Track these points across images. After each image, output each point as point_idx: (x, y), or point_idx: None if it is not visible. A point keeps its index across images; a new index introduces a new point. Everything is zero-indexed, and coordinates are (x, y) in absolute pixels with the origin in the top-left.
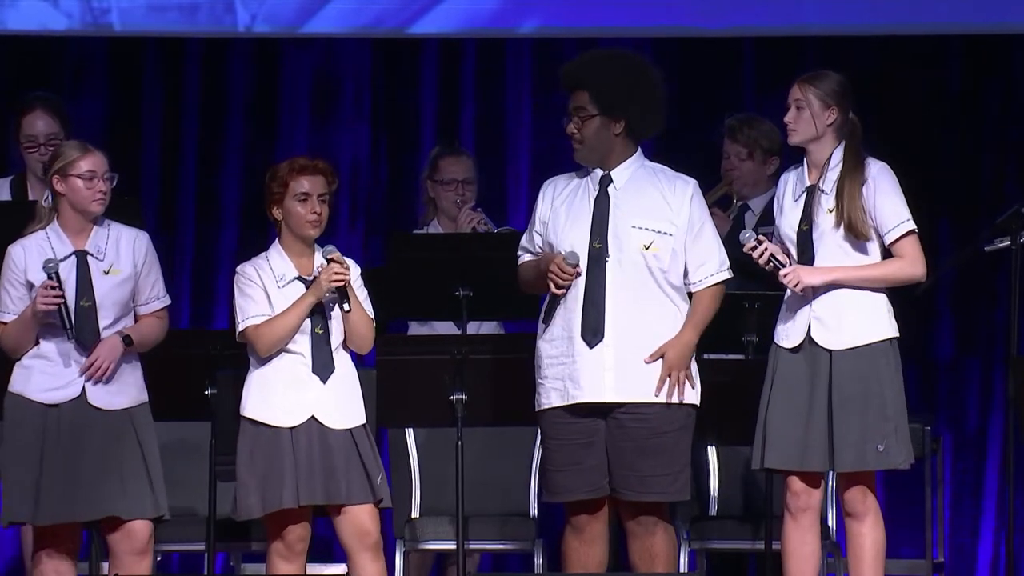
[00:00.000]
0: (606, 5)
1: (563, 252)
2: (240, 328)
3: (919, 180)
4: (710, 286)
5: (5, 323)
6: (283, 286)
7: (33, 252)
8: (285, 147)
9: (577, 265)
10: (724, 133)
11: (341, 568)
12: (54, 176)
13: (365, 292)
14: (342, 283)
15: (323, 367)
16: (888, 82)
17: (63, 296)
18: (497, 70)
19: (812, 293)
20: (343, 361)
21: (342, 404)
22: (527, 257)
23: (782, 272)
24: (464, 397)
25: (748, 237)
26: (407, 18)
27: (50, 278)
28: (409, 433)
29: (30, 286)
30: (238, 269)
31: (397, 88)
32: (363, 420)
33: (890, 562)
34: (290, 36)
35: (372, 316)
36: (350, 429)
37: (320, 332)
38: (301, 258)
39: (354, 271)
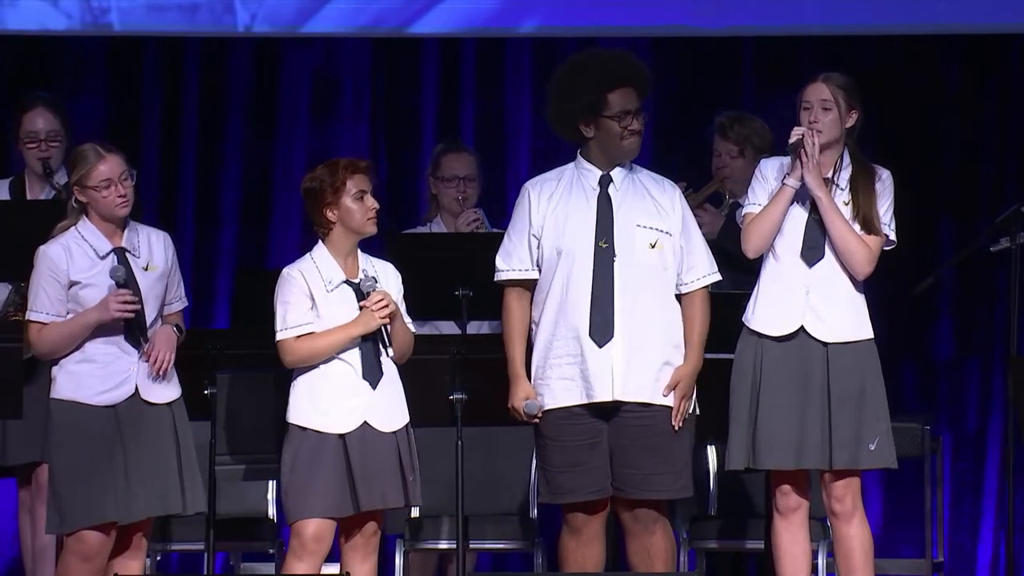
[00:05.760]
0: (606, 5)
1: (527, 401)
2: (277, 337)
3: (919, 180)
4: (702, 288)
5: (44, 323)
6: (331, 290)
7: (74, 252)
8: (285, 147)
9: (534, 416)
10: (714, 131)
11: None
12: (75, 187)
13: (406, 306)
14: (387, 317)
15: (372, 372)
16: (888, 82)
17: (139, 302)
18: (497, 70)
19: (805, 280)
20: (388, 364)
21: (390, 407)
22: (512, 275)
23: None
24: (464, 397)
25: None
26: (407, 18)
27: (119, 286)
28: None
29: (71, 286)
30: (283, 272)
31: (397, 88)
32: (407, 420)
33: (889, 561)
34: (290, 36)
35: (413, 329)
36: (395, 431)
37: (367, 339)
38: (348, 259)
39: (395, 283)
